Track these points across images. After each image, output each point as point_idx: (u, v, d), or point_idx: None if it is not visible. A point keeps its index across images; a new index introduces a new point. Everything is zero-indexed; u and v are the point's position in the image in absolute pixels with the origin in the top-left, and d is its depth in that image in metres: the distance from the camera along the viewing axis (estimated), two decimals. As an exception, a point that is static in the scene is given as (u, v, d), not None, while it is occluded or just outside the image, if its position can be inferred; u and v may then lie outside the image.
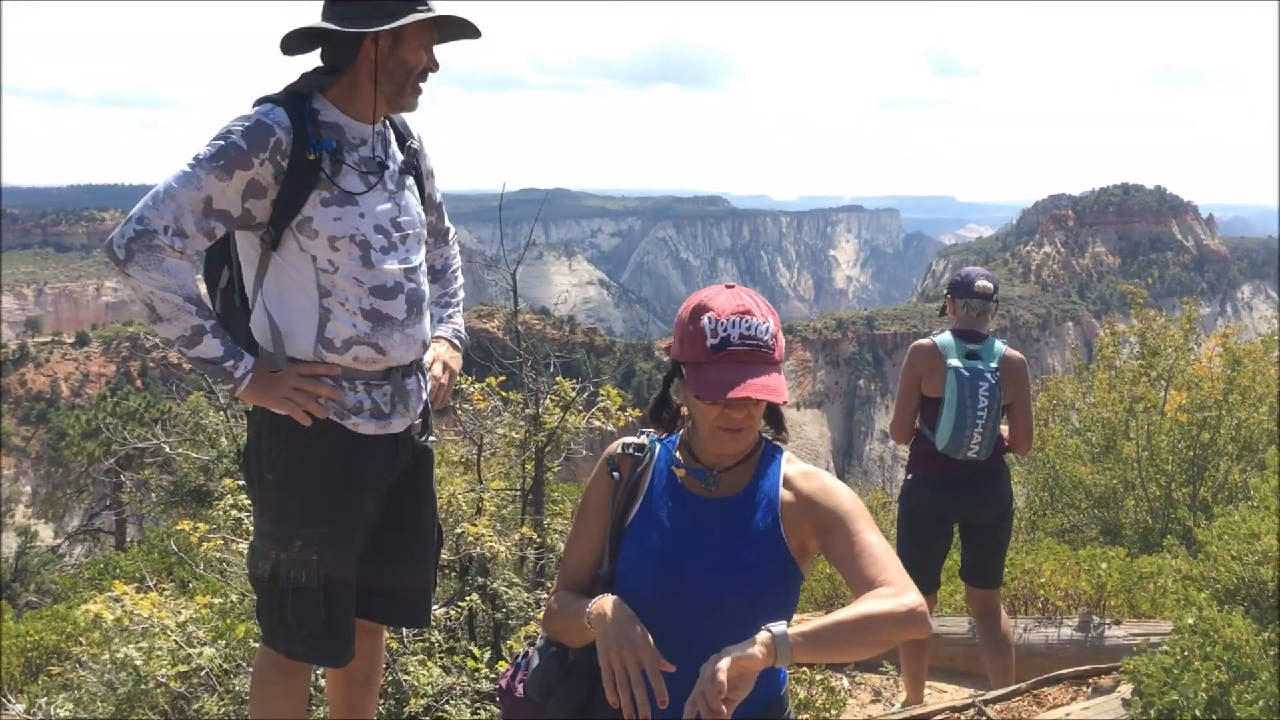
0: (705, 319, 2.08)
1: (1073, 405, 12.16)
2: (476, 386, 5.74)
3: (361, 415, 2.86)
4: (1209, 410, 10.13)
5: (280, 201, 2.73)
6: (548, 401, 5.98)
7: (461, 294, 3.40)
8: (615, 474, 2.26)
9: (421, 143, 3.11)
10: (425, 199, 3.11)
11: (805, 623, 1.90)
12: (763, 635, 1.86)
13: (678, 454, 2.24)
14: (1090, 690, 4.60)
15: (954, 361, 4.60)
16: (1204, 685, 3.18)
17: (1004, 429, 4.82)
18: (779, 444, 2.26)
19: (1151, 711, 3.37)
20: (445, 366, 3.18)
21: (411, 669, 4.12)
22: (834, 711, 5.27)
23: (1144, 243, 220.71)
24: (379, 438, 2.90)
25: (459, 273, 3.41)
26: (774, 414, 2.27)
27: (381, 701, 4.12)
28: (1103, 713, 4.05)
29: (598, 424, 6.01)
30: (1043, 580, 6.62)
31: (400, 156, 2.97)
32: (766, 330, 2.08)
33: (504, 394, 5.91)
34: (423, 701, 4.01)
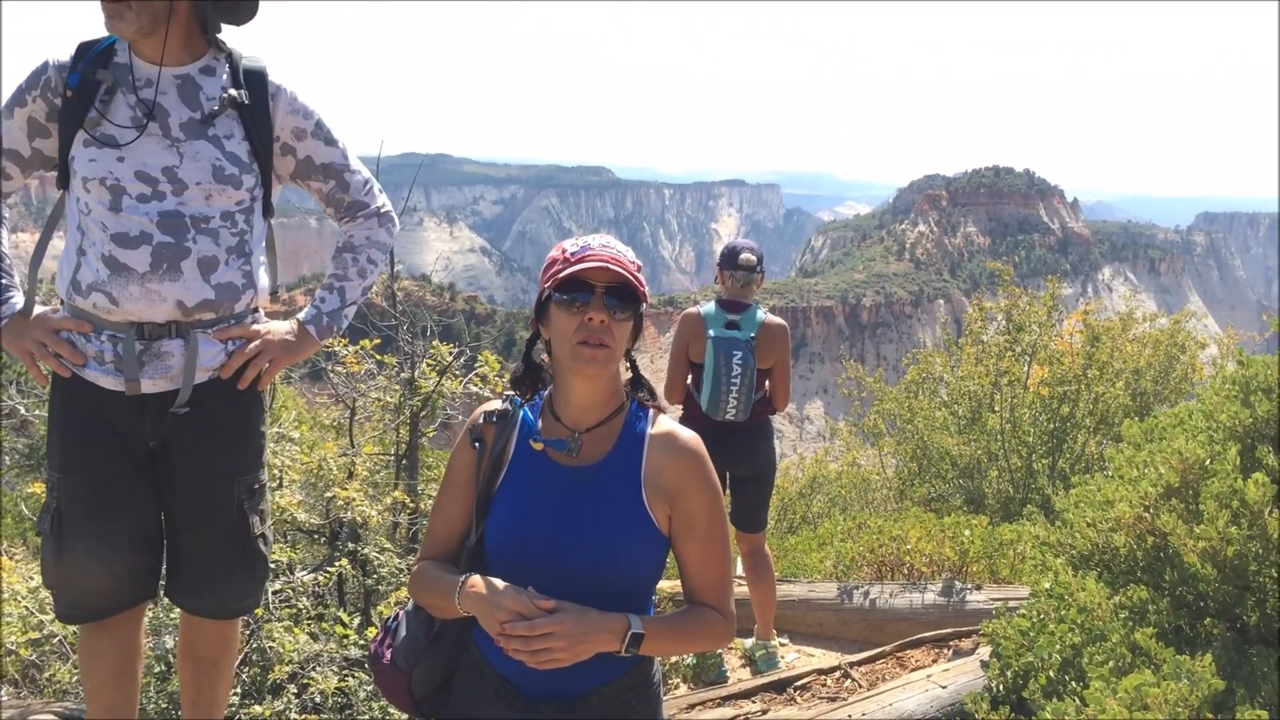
0: (568, 241, 2.16)
1: (941, 379, 12.50)
2: (350, 349, 5.60)
3: (102, 368, 2.72)
4: (1069, 385, 10.53)
5: (60, 141, 2.72)
6: (424, 366, 5.88)
7: (358, 280, 3.10)
8: (478, 444, 2.23)
9: (283, 95, 2.83)
10: (272, 156, 2.86)
11: (660, 630, 2.08)
12: (620, 625, 2.00)
13: (539, 422, 2.22)
14: (951, 653, 4.75)
15: (712, 331, 4.93)
16: (1058, 647, 3.29)
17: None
18: (650, 407, 2.24)
19: (1008, 673, 3.48)
20: (265, 345, 2.88)
21: (276, 635, 4.02)
22: (707, 673, 5.34)
23: (1013, 224, 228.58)
24: (121, 395, 2.72)
25: (360, 256, 3.10)
26: (636, 375, 2.27)
27: (245, 669, 4.02)
28: (962, 674, 4.18)
29: (475, 390, 5.93)
30: (909, 547, 6.81)
31: (209, 105, 2.73)
32: (629, 254, 2.15)
33: (378, 356, 5.78)
34: (288, 669, 3.92)
